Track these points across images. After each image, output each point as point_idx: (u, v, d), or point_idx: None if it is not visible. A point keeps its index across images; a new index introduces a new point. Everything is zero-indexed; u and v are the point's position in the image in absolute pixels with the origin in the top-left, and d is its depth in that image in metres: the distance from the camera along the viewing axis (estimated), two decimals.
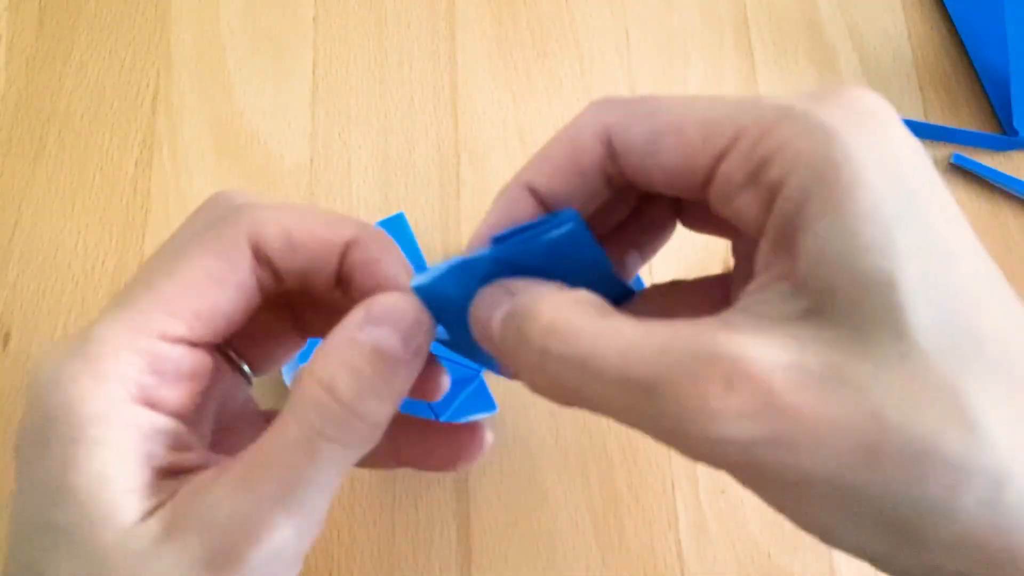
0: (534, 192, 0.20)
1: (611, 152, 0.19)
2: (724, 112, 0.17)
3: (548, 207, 0.20)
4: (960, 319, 0.15)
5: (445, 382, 0.25)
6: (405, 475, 0.34)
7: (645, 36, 0.42)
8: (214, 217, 0.21)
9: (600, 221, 0.22)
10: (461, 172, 0.39)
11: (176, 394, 0.20)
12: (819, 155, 0.15)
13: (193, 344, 0.21)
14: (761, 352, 0.15)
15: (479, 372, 0.34)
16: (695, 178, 0.18)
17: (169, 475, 0.20)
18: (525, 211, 0.20)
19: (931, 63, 0.43)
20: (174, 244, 0.21)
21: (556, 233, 0.19)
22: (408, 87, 0.41)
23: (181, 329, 0.20)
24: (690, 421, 0.15)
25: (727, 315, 0.16)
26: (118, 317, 0.20)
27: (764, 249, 0.17)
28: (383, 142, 0.40)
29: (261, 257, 0.21)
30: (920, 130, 0.41)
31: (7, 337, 0.36)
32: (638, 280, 0.32)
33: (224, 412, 0.24)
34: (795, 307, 0.16)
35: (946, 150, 0.41)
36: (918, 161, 0.16)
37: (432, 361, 0.24)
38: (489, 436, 0.25)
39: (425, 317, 0.20)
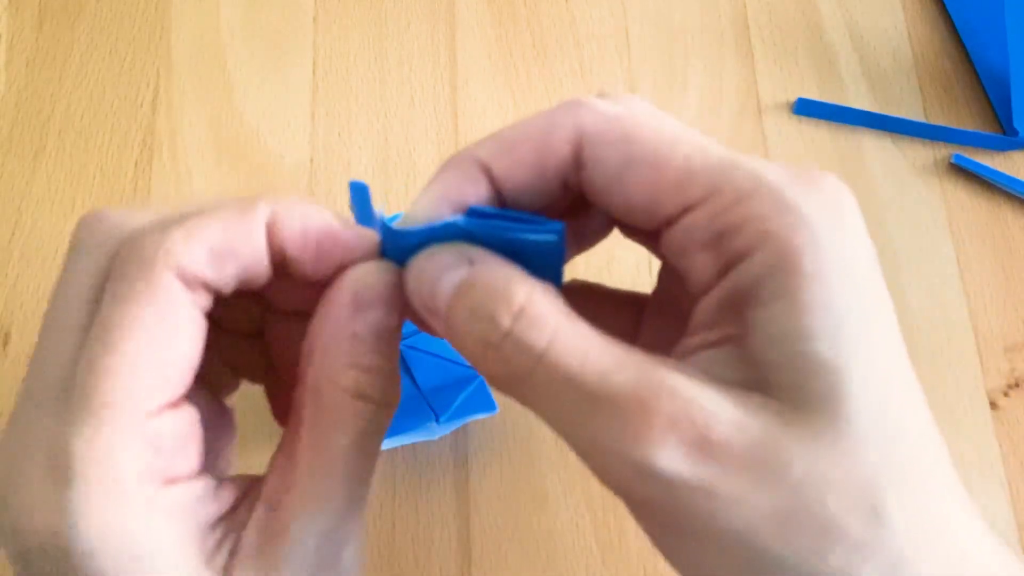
0: (489, 174, 0.19)
1: (578, 160, 0.18)
2: (704, 164, 0.17)
3: (500, 193, 0.19)
4: (892, 413, 0.16)
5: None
6: (405, 475, 0.34)
7: (645, 36, 0.42)
8: (110, 259, 0.18)
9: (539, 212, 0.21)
10: None
11: (186, 460, 0.19)
12: (785, 239, 0.16)
13: (173, 404, 0.18)
14: (710, 403, 0.16)
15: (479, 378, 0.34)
16: (655, 218, 0.18)
17: (216, 522, 0.19)
18: (475, 191, 0.19)
19: (931, 63, 0.43)
20: (85, 310, 0.18)
21: (539, 238, 0.18)
22: (408, 87, 0.41)
23: (158, 399, 0.18)
24: (625, 442, 0.16)
25: (682, 364, 0.17)
26: (92, 426, 0.17)
27: (709, 307, 0.17)
28: (383, 142, 0.40)
29: (190, 283, 0.18)
30: (920, 130, 0.41)
31: (7, 337, 0.36)
32: None
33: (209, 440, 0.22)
34: (742, 374, 0.16)
35: (946, 150, 0.41)
36: (870, 258, 0.17)
37: None
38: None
39: (396, 275, 0.20)
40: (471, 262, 0.18)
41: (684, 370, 0.16)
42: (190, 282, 0.18)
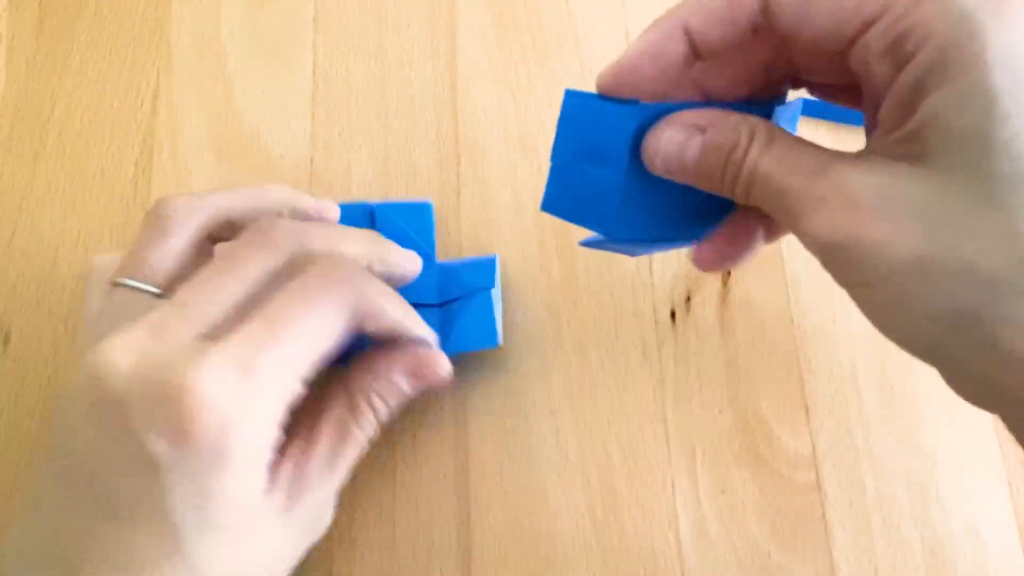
0: (687, 31, 0.22)
1: (764, 7, 0.21)
2: None
3: (694, 46, 0.23)
4: None
5: (445, 366, 0.30)
6: (405, 475, 0.34)
7: None
8: (288, 259, 0.27)
9: None
10: (461, 172, 0.39)
11: (284, 417, 0.26)
12: (948, 36, 0.18)
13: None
14: (860, 175, 0.20)
15: (486, 290, 0.35)
16: (839, 40, 0.21)
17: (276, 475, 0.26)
18: (674, 47, 0.23)
19: None
20: (310, 295, 0.26)
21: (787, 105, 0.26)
22: (408, 87, 0.41)
23: (308, 374, 0.25)
24: (798, 223, 0.21)
25: (851, 153, 0.21)
26: (275, 361, 0.24)
27: (889, 106, 0.20)
28: (383, 142, 0.40)
29: (354, 322, 0.26)
30: None
31: (7, 337, 0.36)
32: None
33: None
34: (903, 151, 0.20)
35: None
36: None
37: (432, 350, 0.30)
38: (444, 366, 0.30)
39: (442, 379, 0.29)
40: (702, 129, 0.23)
41: (851, 157, 0.21)
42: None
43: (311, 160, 0.39)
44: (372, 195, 0.39)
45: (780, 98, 0.27)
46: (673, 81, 0.24)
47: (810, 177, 0.21)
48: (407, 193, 0.39)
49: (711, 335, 0.36)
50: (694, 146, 0.23)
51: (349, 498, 0.34)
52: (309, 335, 0.25)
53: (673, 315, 0.36)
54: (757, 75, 0.25)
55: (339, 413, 0.28)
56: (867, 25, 0.20)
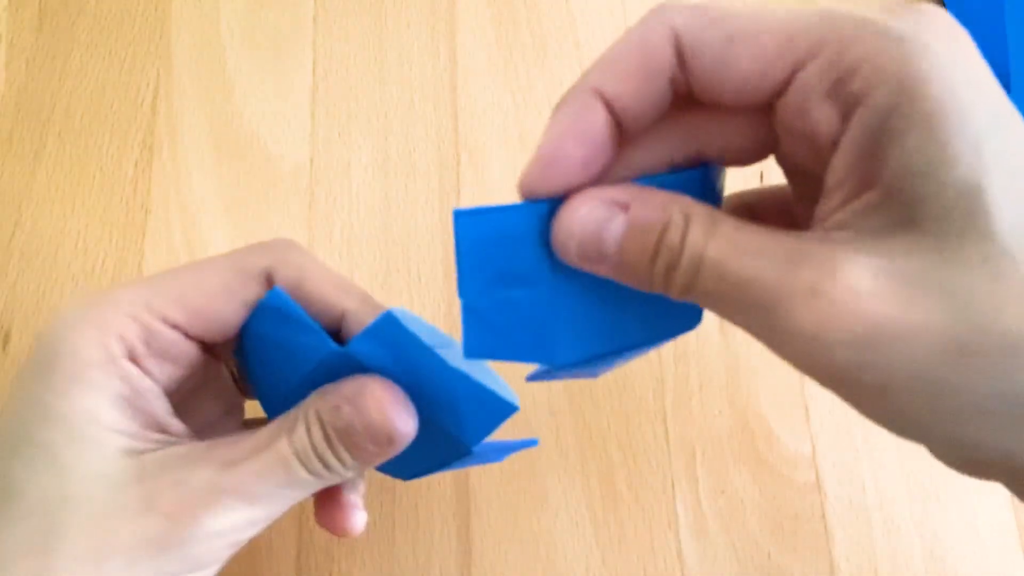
0: (602, 97, 0.19)
1: (680, 57, 0.18)
2: (802, 22, 0.17)
3: (615, 115, 0.19)
4: None
5: (358, 522, 0.27)
6: None
7: None
8: (256, 244, 0.25)
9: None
10: (461, 172, 0.39)
11: (160, 368, 0.23)
12: (904, 69, 0.16)
13: (187, 335, 0.24)
14: (857, 258, 0.16)
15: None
16: (768, 87, 0.18)
17: (153, 432, 0.23)
18: (594, 118, 0.19)
19: None
20: (219, 254, 0.25)
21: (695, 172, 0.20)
22: (408, 87, 0.41)
23: (180, 318, 0.23)
24: (779, 327, 0.17)
25: (820, 231, 0.17)
26: (136, 290, 0.23)
27: (842, 161, 0.17)
28: (383, 142, 0.40)
29: (270, 288, 0.24)
30: None
31: (7, 337, 0.36)
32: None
33: (211, 411, 0.27)
34: (884, 219, 0.16)
35: None
36: (991, 76, 0.17)
37: (347, 501, 0.27)
38: (359, 521, 0.27)
39: (395, 432, 0.22)
40: (624, 207, 0.19)
41: (829, 236, 0.17)
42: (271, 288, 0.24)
43: (311, 160, 0.39)
44: (372, 195, 0.39)
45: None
46: (605, 167, 0.20)
47: (788, 265, 0.17)
48: (407, 193, 0.39)
49: (711, 335, 0.36)
50: (616, 227, 0.19)
51: None
52: (182, 279, 0.24)
53: None
54: (688, 155, 0.21)
55: (272, 426, 0.23)
56: (799, 65, 0.17)
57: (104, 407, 0.22)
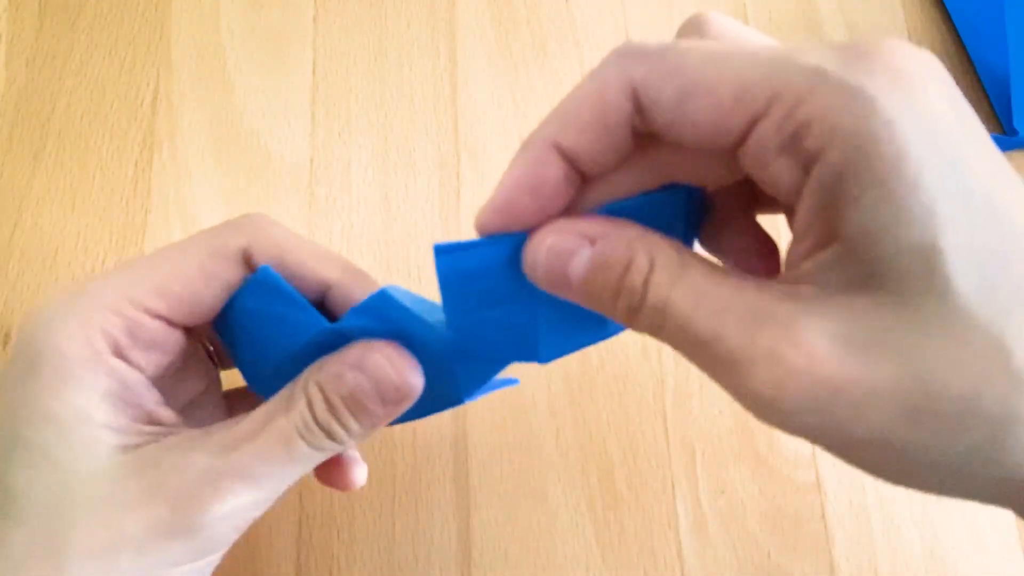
0: (560, 150, 0.19)
1: (638, 107, 0.18)
2: (757, 74, 0.17)
3: (574, 165, 0.19)
4: (1004, 277, 0.15)
5: (360, 475, 0.28)
6: (405, 475, 0.34)
7: (645, 36, 0.42)
8: (229, 223, 0.25)
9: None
10: (461, 172, 0.39)
11: (146, 359, 0.23)
12: (858, 127, 0.15)
13: (170, 323, 0.24)
14: (816, 320, 0.16)
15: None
16: (727, 139, 0.18)
17: (145, 425, 0.23)
18: (550, 171, 0.19)
19: None
20: (190, 236, 0.25)
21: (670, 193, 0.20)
22: (408, 87, 0.41)
23: (162, 308, 0.23)
24: (741, 387, 0.17)
25: (780, 284, 0.17)
26: (114, 282, 0.23)
27: (803, 215, 0.17)
28: (383, 142, 0.40)
29: (250, 267, 0.24)
30: None
31: (7, 337, 0.36)
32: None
33: (192, 389, 0.27)
34: (846, 275, 0.16)
35: None
36: (958, 122, 0.16)
37: (346, 457, 0.27)
38: (362, 474, 0.28)
39: (407, 385, 0.22)
40: (592, 241, 0.19)
41: (786, 292, 0.17)
42: (250, 267, 0.24)
43: (311, 160, 0.39)
44: (372, 195, 0.39)
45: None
46: (561, 207, 0.20)
47: (749, 324, 0.17)
48: (407, 193, 0.39)
49: None
50: (581, 260, 0.19)
51: (349, 498, 0.34)
52: (159, 266, 0.23)
53: None
54: (660, 183, 0.21)
55: (268, 404, 0.23)
56: (755, 119, 0.17)
57: (95, 404, 0.22)
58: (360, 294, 0.24)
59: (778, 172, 0.17)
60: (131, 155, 0.39)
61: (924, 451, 0.16)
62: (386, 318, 0.23)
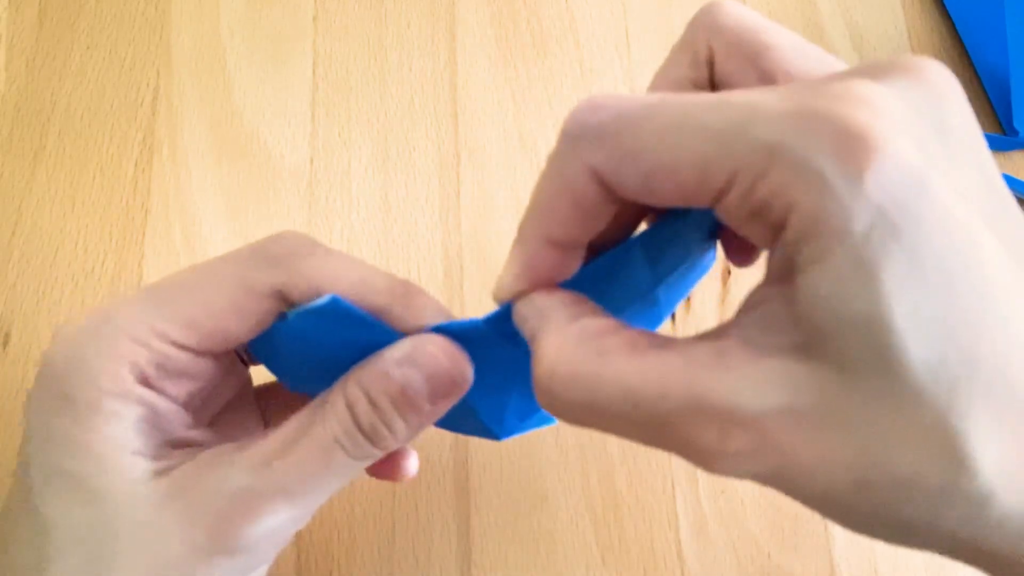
0: (552, 242, 0.20)
1: (605, 186, 0.18)
2: (713, 151, 0.17)
3: (570, 243, 0.20)
4: (954, 348, 0.15)
5: (412, 465, 0.28)
6: None
7: (645, 36, 0.42)
8: (263, 252, 0.23)
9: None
10: (461, 172, 0.39)
11: (175, 387, 0.23)
12: (807, 205, 0.16)
13: (199, 353, 0.23)
14: (753, 395, 0.16)
15: None
16: (700, 204, 0.18)
17: (177, 448, 0.23)
18: (555, 264, 0.20)
19: None
20: (221, 258, 0.24)
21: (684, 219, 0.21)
22: (408, 87, 0.41)
23: (191, 342, 0.23)
24: (695, 457, 0.17)
25: (724, 344, 0.17)
26: (141, 310, 0.23)
27: (770, 272, 0.18)
28: (383, 142, 0.40)
29: (286, 302, 0.23)
30: None
31: (7, 337, 0.36)
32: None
33: (225, 396, 0.27)
34: (790, 339, 0.17)
35: None
36: (915, 179, 0.16)
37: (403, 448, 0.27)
38: (415, 464, 0.28)
39: (461, 375, 0.22)
40: (541, 313, 0.20)
41: (728, 358, 0.17)
42: (286, 302, 0.24)
43: (311, 160, 0.39)
44: (372, 195, 0.39)
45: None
46: (569, 275, 0.21)
47: (687, 409, 0.17)
48: (407, 193, 0.39)
49: None
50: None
51: (349, 498, 0.34)
52: (188, 297, 0.23)
53: (673, 314, 0.36)
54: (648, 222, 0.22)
55: (303, 413, 0.23)
56: (720, 194, 0.17)
57: (128, 433, 0.22)
58: (410, 319, 0.23)
59: (750, 232, 0.17)
60: (131, 155, 0.39)
61: (872, 515, 0.17)
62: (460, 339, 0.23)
